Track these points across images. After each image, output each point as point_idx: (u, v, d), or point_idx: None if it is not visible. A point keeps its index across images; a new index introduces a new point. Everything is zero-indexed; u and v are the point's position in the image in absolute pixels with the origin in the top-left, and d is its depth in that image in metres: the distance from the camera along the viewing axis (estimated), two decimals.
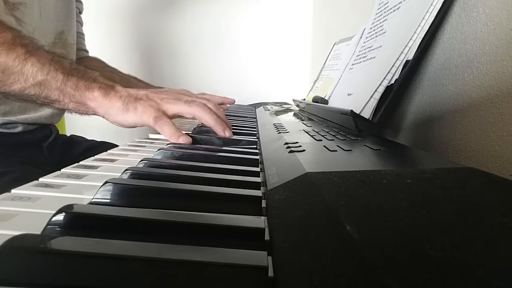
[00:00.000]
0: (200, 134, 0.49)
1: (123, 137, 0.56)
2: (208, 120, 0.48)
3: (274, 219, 0.17)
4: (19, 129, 0.62)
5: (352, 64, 0.56)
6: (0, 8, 0.54)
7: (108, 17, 1.38)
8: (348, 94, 0.51)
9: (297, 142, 0.32)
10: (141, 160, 0.30)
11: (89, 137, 0.82)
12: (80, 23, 0.83)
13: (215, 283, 0.13)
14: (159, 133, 0.53)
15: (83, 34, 0.85)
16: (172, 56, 1.43)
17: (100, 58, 0.86)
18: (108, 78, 0.70)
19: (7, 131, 0.60)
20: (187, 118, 0.50)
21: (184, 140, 0.44)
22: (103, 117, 0.48)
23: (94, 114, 0.49)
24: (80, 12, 0.83)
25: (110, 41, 1.39)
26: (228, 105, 0.83)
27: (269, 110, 0.83)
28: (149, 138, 0.48)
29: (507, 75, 0.27)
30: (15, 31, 0.47)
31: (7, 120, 0.60)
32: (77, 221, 0.17)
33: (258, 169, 0.30)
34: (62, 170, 0.29)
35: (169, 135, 0.45)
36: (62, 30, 0.69)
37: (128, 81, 0.79)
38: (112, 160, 0.34)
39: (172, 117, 0.48)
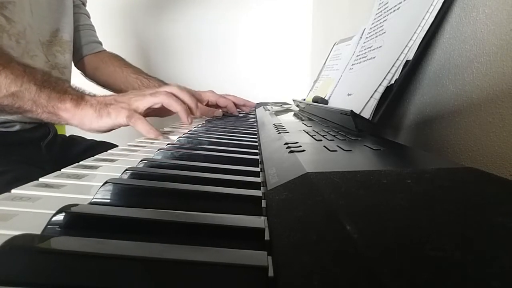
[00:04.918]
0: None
1: (123, 137, 0.57)
2: (175, 105, 0.52)
3: (274, 219, 0.17)
4: (17, 127, 0.62)
5: (352, 64, 0.56)
6: None
7: (105, 17, 1.38)
8: (348, 94, 0.51)
9: (297, 142, 0.32)
10: (141, 160, 0.30)
11: (89, 137, 0.81)
12: (86, 15, 0.82)
13: (215, 283, 0.13)
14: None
15: (92, 26, 0.84)
16: (172, 57, 1.43)
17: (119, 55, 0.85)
18: (132, 81, 0.73)
19: (4, 130, 0.60)
20: (157, 108, 0.53)
21: (155, 134, 0.48)
22: (77, 127, 0.51)
23: (66, 124, 0.51)
24: (84, 4, 0.82)
25: (107, 42, 1.39)
26: (249, 108, 0.86)
27: (269, 110, 0.83)
28: (149, 138, 0.49)
29: (507, 75, 0.27)
30: None
31: (4, 119, 0.59)
32: (77, 221, 0.17)
33: (258, 169, 0.30)
34: (62, 170, 0.29)
35: (145, 131, 0.48)
36: (57, 28, 0.69)
37: (153, 85, 0.81)
38: (112, 160, 0.34)
39: (144, 112, 0.51)
